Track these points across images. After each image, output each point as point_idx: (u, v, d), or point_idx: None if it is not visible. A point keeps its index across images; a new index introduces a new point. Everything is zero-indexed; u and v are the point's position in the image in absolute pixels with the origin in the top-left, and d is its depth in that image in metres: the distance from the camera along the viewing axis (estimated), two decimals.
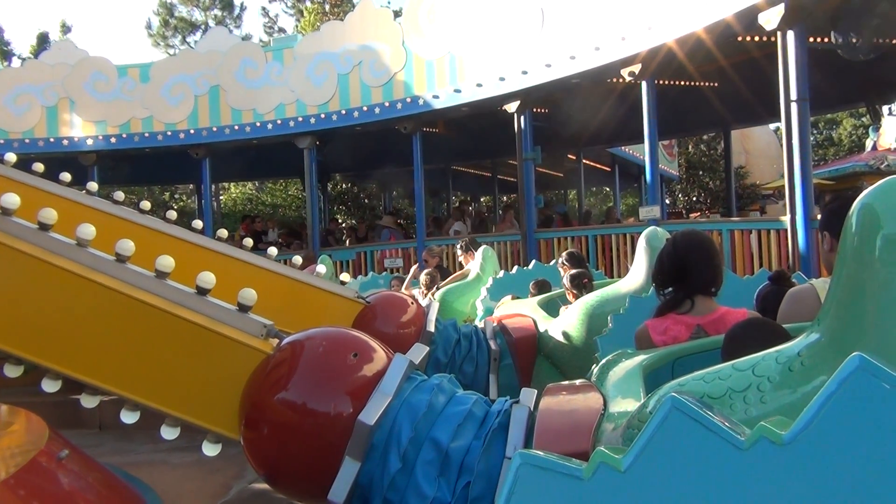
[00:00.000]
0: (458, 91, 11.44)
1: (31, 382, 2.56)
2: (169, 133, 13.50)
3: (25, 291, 2.52)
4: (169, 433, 2.52)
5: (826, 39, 9.12)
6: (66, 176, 4.12)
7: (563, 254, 6.41)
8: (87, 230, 2.57)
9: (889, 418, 0.88)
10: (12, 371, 2.51)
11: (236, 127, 13.26)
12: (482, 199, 24.18)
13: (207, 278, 2.56)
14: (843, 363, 0.90)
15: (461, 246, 8.47)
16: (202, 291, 2.56)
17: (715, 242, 2.98)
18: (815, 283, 2.72)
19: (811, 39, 8.55)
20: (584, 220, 15.48)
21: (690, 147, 25.22)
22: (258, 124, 13.14)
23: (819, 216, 3.02)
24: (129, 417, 2.51)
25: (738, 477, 0.96)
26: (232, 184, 26.90)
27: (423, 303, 4.60)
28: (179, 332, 2.47)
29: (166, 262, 2.56)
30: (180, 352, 2.49)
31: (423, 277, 7.80)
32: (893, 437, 0.87)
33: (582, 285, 5.22)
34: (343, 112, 12.56)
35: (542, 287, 6.13)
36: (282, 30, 32.16)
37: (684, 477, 0.99)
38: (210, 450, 2.51)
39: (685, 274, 2.80)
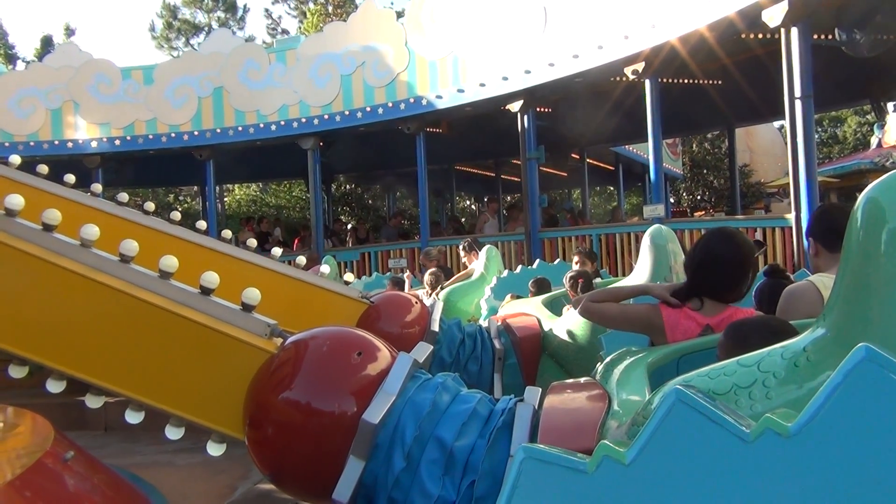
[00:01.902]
0: (461, 91, 11.44)
1: (37, 384, 2.57)
2: (173, 135, 13.53)
3: (29, 292, 2.52)
4: (173, 433, 2.52)
5: (830, 36, 9.10)
6: (70, 177, 4.14)
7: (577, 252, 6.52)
8: (91, 231, 2.57)
9: (895, 409, 0.87)
10: (17, 372, 2.52)
11: (240, 128, 13.28)
12: (485, 200, 24.15)
13: (211, 278, 2.56)
14: (849, 354, 0.89)
15: (464, 246, 8.47)
16: (206, 291, 2.56)
17: (744, 251, 2.76)
18: (813, 278, 2.71)
19: (815, 36, 8.53)
20: (580, 217, 15.49)
21: (695, 145, 25.22)
22: (262, 126, 13.16)
23: None
24: (133, 418, 2.51)
25: (744, 469, 0.95)
26: (236, 185, 26.95)
27: (428, 302, 4.60)
28: (183, 332, 2.47)
29: (170, 262, 2.56)
30: (184, 352, 2.49)
31: (427, 278, 7.81)
32: None
33: (576, 284, 5.25)
34: (346, 113, 12.57)
35: (541, 285, 6.13)
36: (285, 31, 32.21)
37: (689, 469, 0.98)
38: (215, 450, 2.51)
39: (695, 271, 2.74)
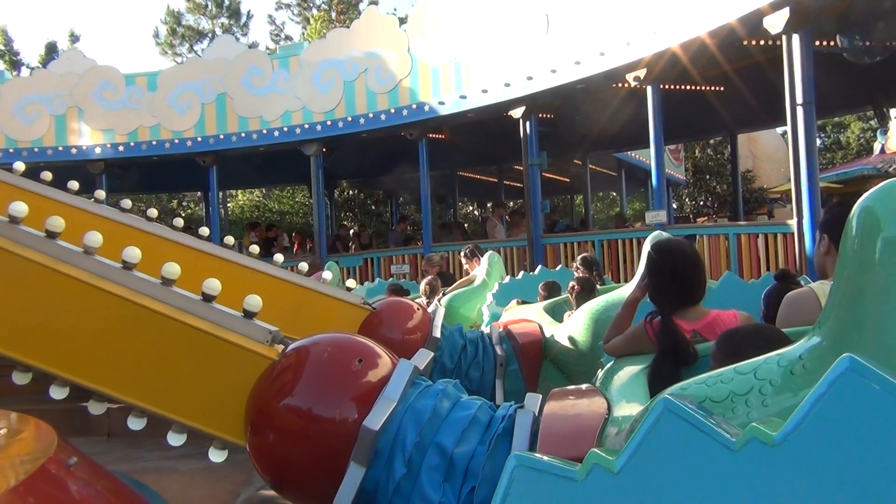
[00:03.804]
0: (463, 97, 11.46)
1: (41, 390, 2.58)
2: (176, 141, 13.57)
3: (32, 299, 2.54)
4: (175, 440, 2.52)
5: (832, 43, 9.11)
6: (73, 184, 4.16)
7: (579, 258, 6.49)
8: (94, 238, 2.59)
9: (878, 418, 0.88)
10: (20, 378, 2.53)
11: (243, 134, 13.31)
12: (488, 205, 24.19)
13: (213, 285, 2.57)
14: (833, 364, 0.90)
15: (465, 252, 8.46)
16: (208, 298, 2.57)
17: (689, 252, 2.86)
18: (814, 286, 2.71)
19: (816, 43, 8.53)
20: (581, 225, 15.51)
21: (697, 151, 25.22)
22: (265, 132, 13.19)
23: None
24: (135, 424, 2.52)
25: (730, 477, 0.97)
26: (239, 191, 27.00)
27: (429, 309, 4.61)
28: (185, 339, 2.48)
29: (172, 269, 2.58)
30: (186, 358, 2.50)
31: (423, 286, 7.83)
32: (883, 437, 0.88)
33: (573, 291, 5.27)
34: (349, 119, 12.60)
35: (551, 289, 6.13)
36: (288, 37, 32.34)
37: (677, 478, 0.99)
38: (216, 456, 2.52)
39: (658, 289, 2.78)
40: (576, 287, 5.25)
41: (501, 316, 5.72)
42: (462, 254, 8.67)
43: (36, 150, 13.64)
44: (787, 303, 2.75)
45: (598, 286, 5.68)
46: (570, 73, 10.11)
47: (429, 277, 8.05)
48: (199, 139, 13.51)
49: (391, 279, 11.20)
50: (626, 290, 4.27)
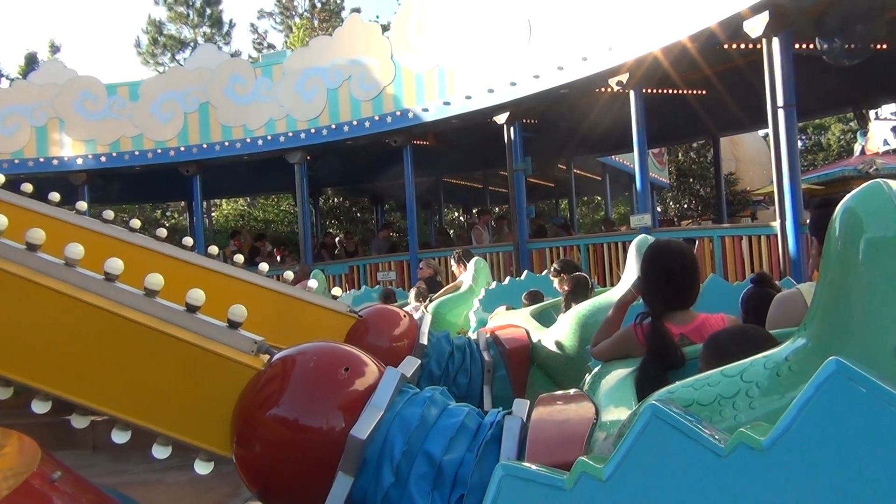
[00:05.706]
0: (447, 103, 11.48)
1: (24, 404, 2.54)
2: (159, 151, 13.50)
3: (13, 312, 2.50)
4: (160, 452, 2.50)
5: (811, 46, 9.19)
6: (54, 195, 4.11)
7: (556, 262, 6.44)
8: (76, 250, 2.56)
9: (865, 421, 0.88)
10: (1, 393, 2.50)
11: (226, 143, 13.26)
12: (473, 211, 24.23)
13: (197, 296, 2.55)
14: (820, 368, 0.91)
15: (455, 256, 8.45)
16: (192, 309, 2.55)
17: (687, 255, 2.87)
18: (802, 287, 2.73)
19: (796, 46, 8.62)
20: (563, 228, 15.56)
21: (680, 155, 25.38)
22: (248, 140, 13.15)
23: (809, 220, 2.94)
24: (120, 437, 2.49)
25: (719, 483, 0.96)
26: (223, 200, 26.90)
27: (416, 316, 4.59)
28: (169, 351, 2.46)
29: (155, 279, 2.56)
30: (170, 370, 2.48)
31: (412, 292, 7.82)
32: (870, 440, 0.88)
33: (570, 291, 5.26)
34: (333, 126, 12.59)
35: (534, 298, 6.14)
36: (271, 46, 32.27)
37: (665, 485, 0.98)
38: (202, 468, 2.49)
39: (652, 289, 2.79)
40: (567, 287, 5.22)
41: (488, 322, 5.72)
42: (452, 257, 8.64)
43: (17, 161, 13.53)
44: (776, 304, 2.77)
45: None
46: (554, 78, 10.15)
47: (419, 283, 8.05)
48: (182, 149, 13.45)
49: (377, 286, 11.17)
50: (613, 294, 4.29)
